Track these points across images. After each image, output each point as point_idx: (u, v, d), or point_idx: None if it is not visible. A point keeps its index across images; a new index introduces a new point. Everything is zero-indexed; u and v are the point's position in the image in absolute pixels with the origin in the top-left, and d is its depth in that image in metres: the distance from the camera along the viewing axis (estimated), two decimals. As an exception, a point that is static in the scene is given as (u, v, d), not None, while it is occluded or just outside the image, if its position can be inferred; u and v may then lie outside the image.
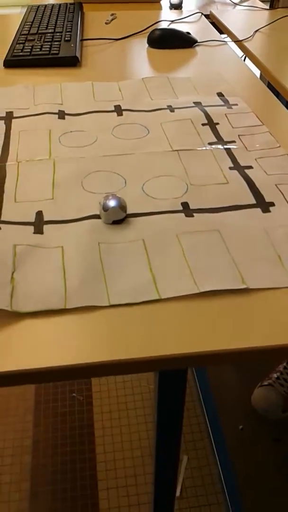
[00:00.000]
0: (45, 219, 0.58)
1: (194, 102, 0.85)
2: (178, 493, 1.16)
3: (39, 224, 0.57)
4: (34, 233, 0.56)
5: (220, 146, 0.73)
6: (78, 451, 1.25)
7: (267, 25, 1.28)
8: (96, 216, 0.58)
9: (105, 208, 0.57)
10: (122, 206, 0.57)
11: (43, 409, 1.33)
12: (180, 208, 0.60)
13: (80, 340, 0.43)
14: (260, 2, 1.52)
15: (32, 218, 0.58)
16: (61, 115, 0.80)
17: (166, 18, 1.33)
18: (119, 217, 0.57)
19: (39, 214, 0.59)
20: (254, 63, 1.10)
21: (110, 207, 0.56)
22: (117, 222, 0.57)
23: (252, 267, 0.51)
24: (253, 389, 1.33)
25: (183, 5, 1.46)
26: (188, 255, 0.52)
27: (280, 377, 1.32)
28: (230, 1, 1.53)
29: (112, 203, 0.57)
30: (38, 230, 0.56)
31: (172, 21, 1.30)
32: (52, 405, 1.34)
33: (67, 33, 1.09)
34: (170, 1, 1.44)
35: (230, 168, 0.68)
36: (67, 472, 1.21)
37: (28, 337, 0.44)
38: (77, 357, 0.42)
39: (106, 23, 1.27)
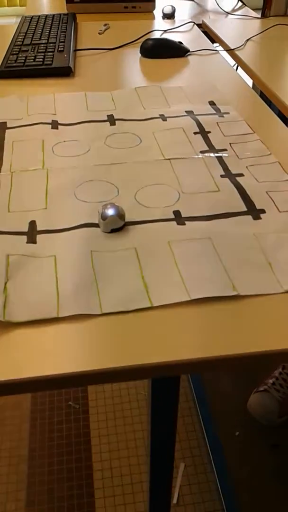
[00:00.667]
0: (38, 228, 0.58)
1: (186, 111, 0.86)
2: (175, 501, 1.16)
3: (32, 233, 0.57)
4: (27, 242, 0.56)
5: (211, 154, 0.74)
6: (74, 460, 1.24)
7: (258, 33, 1.29)
8: (88, 225, 0.59)
9: (103, 217, 0.57)
10: (120, 215, 0.58)
11: (39, 417, 1.33)
12: (172, 216, 0.61)
13: (73, 349, 0.44)
14: (252, 11, 1.54)
15: (25, 228, 0.58)
16: (55, 125, 0.81)
17: (159, 27, 1.34)
18: (117, 226, 0.58)
19: (32, 223, 0.59)
20: (246, 71, 1.11)
21: (109, 216, 0.57)
22: (115, 231, 0.58)
23: (243, 274, 0.52)
24: (249, 394, 1.33)
25: (175, 14, 1.47)
26: (179, 263, 0.53)
27: (275, 382, 1.32)
28: (222, 10, 1.55)
29: (110, 211, 0.57)
30: (31, 240, 0.56)
31: (165, 31, 1.31)
32: (48, 414, 1.34)
33: (61, 44, 1.10)
34: (162, 11, 1.46)
35: (222, 176, 0.69)
36: (64, 481, 1.20)
37: (21, 346, 0.44)
38: (70, 365, 0.42)
39: (99, 33, 1.29)
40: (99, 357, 0.43)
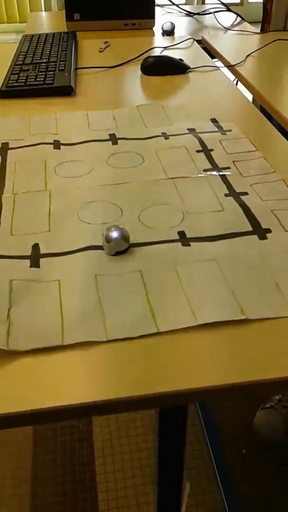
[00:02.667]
0: (42, 252, 0.58)
1: (188, 129, 0.86)
2: (181, 522, 1.14)
3: (35, 257, 0.57)
4: (30, 266, 0.55)
5: (215, 173, 0.73)
6: (78, 481, 1.22)
7: (258, 49, 1.30)
8: (92, 248, 0.58)
9: (107, 240, 0.57)
10: (124, 237, 0.57)
11: (42, 438, 1.31)
12: (177, 237, 0.60)
13: (77, 379, 0.43)
14: (251, 26, 1.55)
15: (28, 251, 0.58)
16: (57, 145, 0.81)
17: (159, 44, 1.35)
18: (122, 248, 0.57)
19: (36, 247, 0.58)
20: (246, 87, 1.11)
21: (113, 238, 0.57)
22: (120, 253, 0.57)
23: (250, 297, 0.51)
24: (255, 411, 1.31)
25: (175, 31, 1.48)
26: (185, 286, 0.52)
27: (282, 399, 1.30)
28: (221, 26, 1.56)
29: (114, 234, 0.57)
30: (35, 264, 0.56)
31: (165, 48, 1.32)
32: (52, 434, 1.32)
33: (61, 62, 1.10)
34: (162, 28, 1.47)
35: (226, 195, 0.68)
36: (68, 502, 1.18)
37: (24, 377, 0.43)
38: (74, 397, 0.41)
39: (99, 51, 1.29)
40: (104, 387, 0.42)
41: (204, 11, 1.71)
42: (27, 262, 0.56)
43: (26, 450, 1.28)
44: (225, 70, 1.20)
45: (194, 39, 1.39)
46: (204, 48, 1.35)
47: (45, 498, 1.19)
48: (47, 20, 1.69)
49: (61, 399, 0.41)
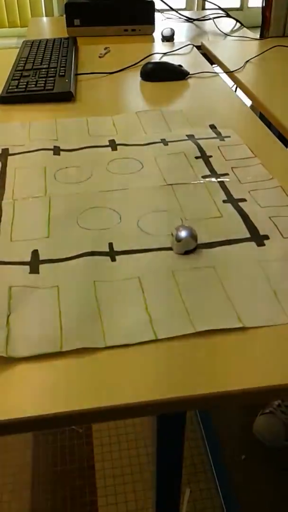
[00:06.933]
0: (41, 258, 0.58)
1: (187, 135, 0.86)
2: (181, 527, 1.14)
3: (35, 263, 0.57)
4: (30, 273, 0.56)
5: (213, 179, 0.74)
6: (78, 486, 1.22)
7: (257, 55, 1.30)
8: (91, 254, 0.58)
9: (178, 239, 0.58)
10: (193, 236, 0.58)
11: (42, 442, 1.31)
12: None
13: (76, 385, 0.43)
14: (250, 32, 1.56)
15: (28, 258, 0.58)
16: (56, 151, 0.81)
17: (159, 50, 1.35)
18: (191, 247, 0.58)
19: (35, 253, 0.59)
20: (245, 93, 1.12)
21: (183, 238, 0.58)
22: (188, 252, 0.58)
23: (247, 305, 0.51)
24: (255, 416, 1.31)
25: (174, 37, 1.49)
26: (183, 293, 0.52)
27: (281, 404, 1.30)
28: (220, 32, 1.56)
29: (184, 233, 0.58)
30: (34, 270, 0.56)
31: (165, 54, 1.32)
32: (51, 439, 1.32)
33: (62, 68, 1.11)
34: (162, 34, 1.47)
35: (224, 201, 0.69)
36: (68, 508, 1.18)
37: (23, 383, 0.43)
38: (73, 404, 0.41)
39: (99, 57, 1.30)
40: (103, 394, 0.42)
41: (203, 17, 1.72)
42: (27, 268, 0.56)
43: (26, 455, 1.28)
44: (224, 76, 1.21)
45: (194, 45, 1.40)
46: (204, 54, 1.36)
47: (45, 502, 1.19)
48: (47, 26, 1.70)
49: (59, 406, 0.41)
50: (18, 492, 1.21)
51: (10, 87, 1.02)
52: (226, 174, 0.75)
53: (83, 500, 1.19)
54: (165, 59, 1.28)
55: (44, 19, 1.80)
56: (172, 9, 1.73)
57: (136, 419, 1.36)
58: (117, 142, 0.84)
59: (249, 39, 1.47)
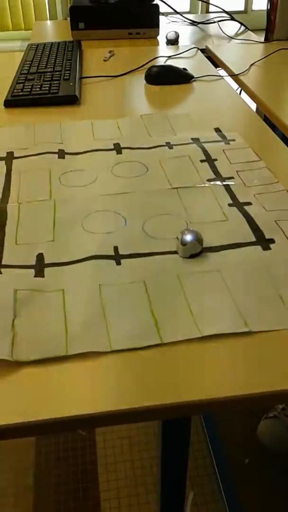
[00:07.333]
0: (46, 261, 0.58)
1: (192, 139, 0.86)
2: (184, 532, 1.13)
3: (39, 267, 0.57)
4: (35, 276, 0.55)
5: (218, 183, 0.73)
6: (81, 489, 1.22)
7: (262, 58, 1.30)
8: (96, 257, 0.58)
9: (183, 243, 0.58)
10: (199, 240, 0.58)
11: (45, 445, 1.31)
12: (181, 247, 0.60)
13: (82, 390, 0.43)
14: (255, 35, 1.56)
15: (33, 261, 0.58)
16: (61, 154, 0.81)
17: (163, 53, 1.35)
18: (196, 251, 0.58)
19: (40, 256, 0.59)
20: (250, 96, 1.11)
21: (188, 241, 0.58)
22: (194, 256, 0.58)
23: (254, 309, 0.51)
24: (259, 420, 1.31)
25: (179, 40, 1.49)
26: (189, 297, 0.52)
27: (286, 408, 1.30)
28: (225, 35, 1.56)
29: (189, 237, 0.58)
30: (39, 274, 0.56)
31: (169, 57, 1.32)
32: (54, 442, 1.31)
33: (66, 72, 1.11)
34: (166, 37, 1.47)
35: (229, 204, 0.69)
36: (70, 511, 1.18)
37: (28, 387, 0.43)
38: (79, 408, 0.41)
39: (104, 60, 1.30)
40: (108, 398, 0.42)
41: (208, 20, 1.72)
42: (32, 271, 0.56)
43: (28, 458, 1.28)
44: (229, 79, 1.21)
45: (198, 48, 1.40)
46: (208, 57, 1.36)
47: (48, 506, 1.18)
48: (52, 29, 1.70)
49: (65, 410, 0.41)
50: (21, 495, 1.21)
51: (15, 91, 1.02)
52: (231, 178, 0.75)
53: (86, 504, 1.19)
54: (170, 62, 1.28)
55: (48, 22, 1.80)
56: (176, 12, 1.73)
57: (139, 424, 1.36)
58: (122, 146, 0.84)
59: (253, 42, 1.47)
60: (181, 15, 1.75)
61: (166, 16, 1.78)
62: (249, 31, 1.62)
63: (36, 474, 1.25)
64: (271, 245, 0.61)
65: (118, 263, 0.57)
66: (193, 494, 1.21)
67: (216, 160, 0.79)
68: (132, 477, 1.24)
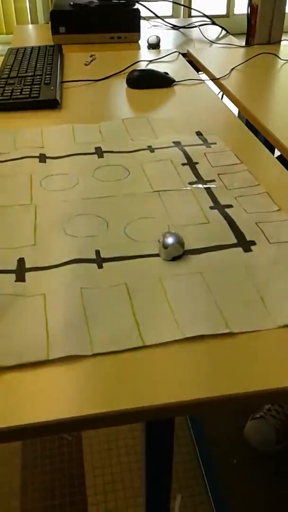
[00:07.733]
0: (27, 266, 0.58)
1: (173, 142, 0.87)
2: (172, 535, 1.13)
3: (20, 271, 0.57)
4: (15, 281, 0.55)
5: (200, 186, 0.74)
6: (68, 494, 1.21)
7: (243, 62, 1.32)
8: (78, 261, 0.58)
9: (165, 246, 0.58)
10: (180, 243, 0.59)
11: (31, 451, 1.30)
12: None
13: (63, 394, 0.43)
14: (236, 39, 1.57)
15: (13, 266, 0.58)
16: (42, 158, 0.81)
17: (144, 58, 1.36)
18: (178, 253, 0.59)
19: (21, 261, 0.58)
20: (231, 100, 1.12)
21: (170, 244, 0.58)
22: (176, 258, 0.59)
23: (235, 310, 0.51)
24: (245, 421, 1.31)
25: (160, 44, 1.50)
26: (171, 300, 0.53)
27: (271, 408, 1.30)
28: (206, 39, 1.58)
29: (171, 240, 0.58)
30: (20, 278, 0.56)
31: (150, 61, 1.33)
32: (40, 447, 1.31)
33: (47, 76, 1.11)
34: (148, 41, 1.48)
35: (211, 207, 0.69)
36: (58, 517, 1.17)
37: (9, 392, 0.43)
38: (60, 412, 0.41)
39: (85, 64, 1.30)
40: (90, 401, 0.42)
41: (189, 24, 1.73)
42: (13, 276, 0.56)
43: (14, 464, 1.27)
44: (210, 83, 1.22)
45: (180, 53, 1.41)
46: (190, 62, 1.37)
47: (35, 511, 1.17)
48: (33, 33, 1.70)
49: (46, 414, 0.41)
50: (6, 502, 1.20)
51: (-4, 95, 1.02)
52: (213, 181, 0.75)
53: (73, 508, 1.18)
54: (151, 66, 1.28)
55: (30, 26, 1.80)
56: (157, 16, 1.74)
57: (126, 427, 1.36)
58: (103, 149, 0.84)
59: (234, 46, 1.49)
60: (162, 19, 1.76)
61: (147, 20, 1.79)
62: (230, 35, 1.63)
63: (22, 479, 1.24)
64: (252, 247, 0.61)
65: (100, 267, 0.57)
66: (181, 497, 1.21)
67: (197, 163, 0.80)
68: (119, 481, 1.24)
